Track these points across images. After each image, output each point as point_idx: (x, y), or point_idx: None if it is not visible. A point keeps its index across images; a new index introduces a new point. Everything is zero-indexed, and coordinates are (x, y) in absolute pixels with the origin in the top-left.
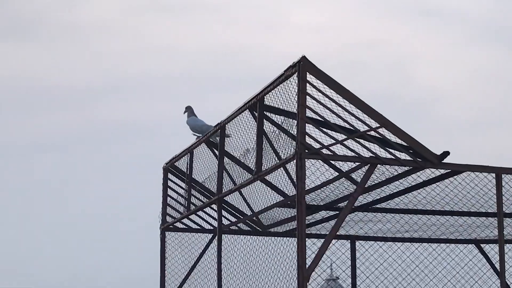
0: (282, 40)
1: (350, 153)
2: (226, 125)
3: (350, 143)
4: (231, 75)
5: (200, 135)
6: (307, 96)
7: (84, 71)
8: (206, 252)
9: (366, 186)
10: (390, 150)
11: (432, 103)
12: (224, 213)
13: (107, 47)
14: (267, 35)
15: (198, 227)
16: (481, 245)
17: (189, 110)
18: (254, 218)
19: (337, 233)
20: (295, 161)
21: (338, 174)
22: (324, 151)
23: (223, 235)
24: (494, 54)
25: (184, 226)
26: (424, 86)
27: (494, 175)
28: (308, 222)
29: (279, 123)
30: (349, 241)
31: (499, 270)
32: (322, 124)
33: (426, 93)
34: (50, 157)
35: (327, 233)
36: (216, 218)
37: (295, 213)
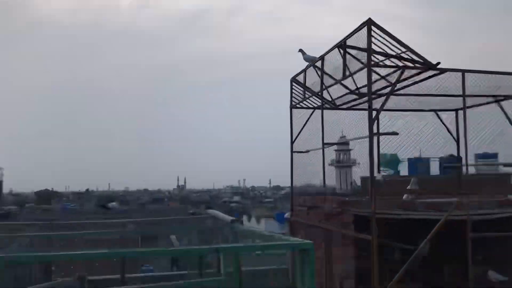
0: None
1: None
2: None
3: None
4: None
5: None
6: (372, 38)
7: None
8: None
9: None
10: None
11: None
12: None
13: None
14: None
15: (309, 107)
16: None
17: (302, 52)
18: (332, 101)
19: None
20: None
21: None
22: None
23: (316, 110)
24: None
25: (302, 106)
26: None
27: (460, 74)
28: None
29: (355, 55)
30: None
31: None
32: (381, 53)
33: None
34: None
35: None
36: (316, 103)
37: (357, 98)
